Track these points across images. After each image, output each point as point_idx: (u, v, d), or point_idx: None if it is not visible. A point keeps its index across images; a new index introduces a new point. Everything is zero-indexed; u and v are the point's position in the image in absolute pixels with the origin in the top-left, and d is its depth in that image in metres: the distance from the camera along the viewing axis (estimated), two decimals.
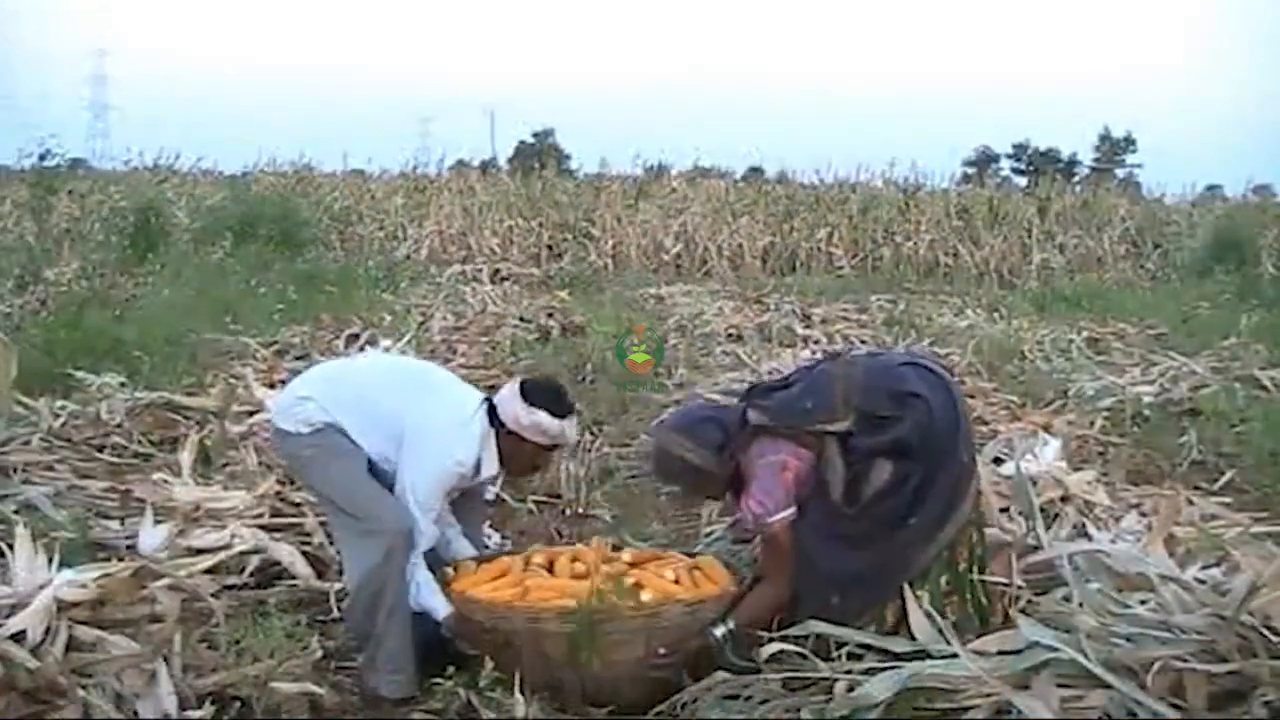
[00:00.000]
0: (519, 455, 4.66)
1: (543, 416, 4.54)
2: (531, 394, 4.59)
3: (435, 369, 5.25)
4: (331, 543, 5.66)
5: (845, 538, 4.43)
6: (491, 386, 8.99)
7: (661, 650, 4.30)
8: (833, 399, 4.37)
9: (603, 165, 29.57)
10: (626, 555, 4.87)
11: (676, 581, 4.64)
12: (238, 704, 4.22)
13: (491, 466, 4.65)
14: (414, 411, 4.58)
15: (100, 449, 7.24)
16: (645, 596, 4.43)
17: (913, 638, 4.26)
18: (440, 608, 4.45)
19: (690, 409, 4.79)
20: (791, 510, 4.34)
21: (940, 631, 4.19)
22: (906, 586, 4.37)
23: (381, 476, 4.61)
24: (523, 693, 4.23)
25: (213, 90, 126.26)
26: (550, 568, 4.77)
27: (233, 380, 8.84)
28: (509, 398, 4.60)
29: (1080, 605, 4.35)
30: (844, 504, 4.35)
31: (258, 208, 20.58)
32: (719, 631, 4.33)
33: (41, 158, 17.49)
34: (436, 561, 4.65)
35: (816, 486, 4.36)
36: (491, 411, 4.62)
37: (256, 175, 27.59)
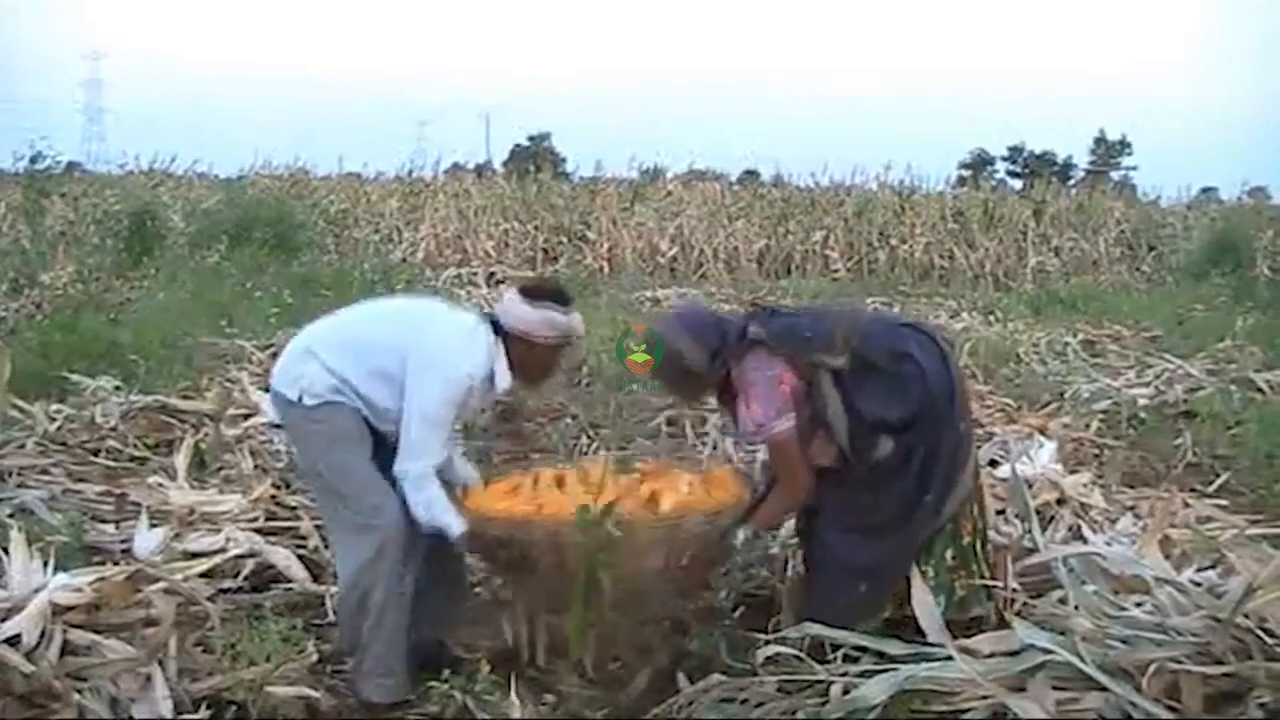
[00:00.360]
0: (531, 359, 4.54)
1: (550, 311, 4.47)
2: (533, 293, 4.53)
3: (431, 300, 5.11)
4: (327, 546, 5.66)
5: (866, 529, 4.45)
6: None
7: (683, 562, 4.32)
8: (833, 335, 4.37)
9: (598, 168, 29.58)
10: (637, 468, 4.85)
11: (690, 491, 4.64)
12: (233, 708, 4.22)
13: (505, 378, 4.53)
14: (416, 339, 4.47)
15: (95, 452, 7.22)
16: (665, 506, 4.42)
17: (917, 629, 4.27)
18: (454, 524, 4.37)
19: (696, 308, 4.73)
20: (792, 417, 4.33)
21: (943, 626, 4.20)
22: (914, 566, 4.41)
23: (390, 444, 4.53)
24: (519, 694, 4.23)
25: (208, 93, 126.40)
26: (560, 486, 4.75)
27: (228, 384, 8.82)
28: (511, 302, 4.53)
29: (1076, 608, 4.35)
30: (855, 459, 4.35)
31: (253, 211, 20.53)
32: (739, 537, 4.41)
33: (33, 160, 17.44)
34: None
35: (824, 435, 4.35)
36: (495, 325, 4.54)
37: (252, 178, 27.56)
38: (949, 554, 4.49)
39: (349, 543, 4.52)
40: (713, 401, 4.91)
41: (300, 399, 4.48)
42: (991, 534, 5.27)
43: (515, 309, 4.49)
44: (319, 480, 4.65)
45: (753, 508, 4.50)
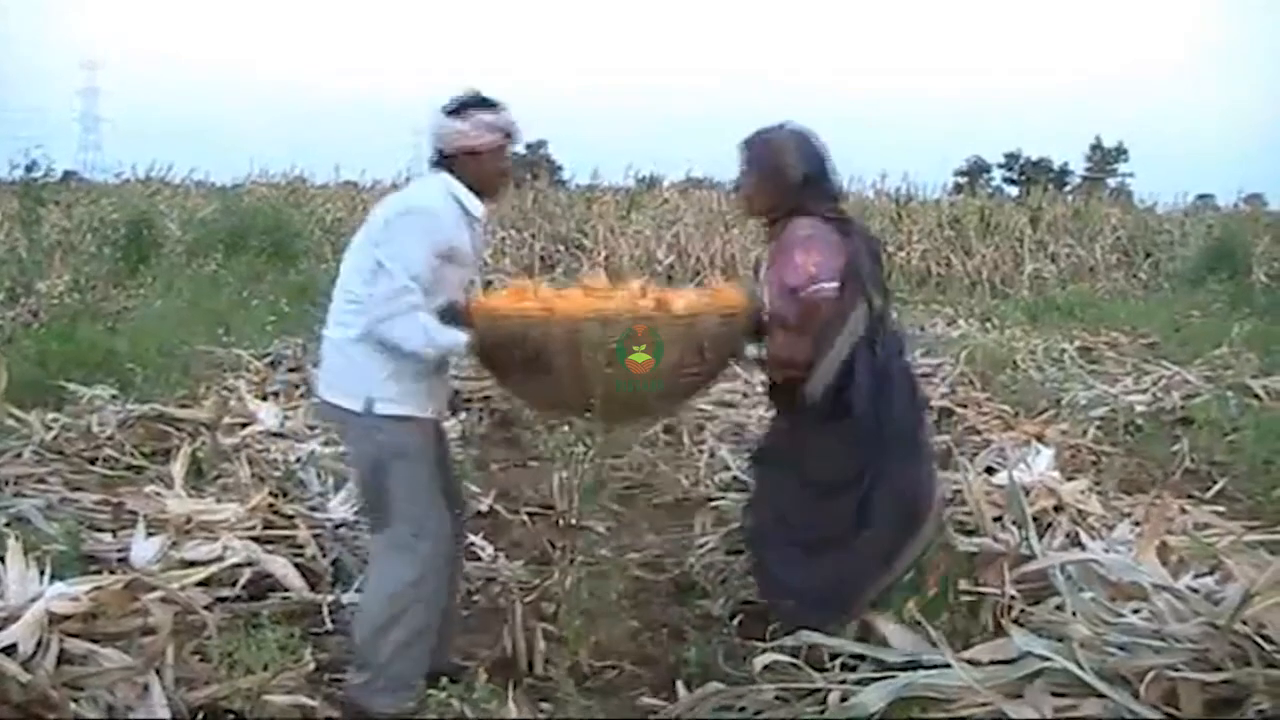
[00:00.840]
0: (483, 171, 4.38)
1: (478, 114, 4.33)
2: (455, 107, 4.36)
3: None
4: (324, 554, 5.66)
5: (803, 545, 4.44)
6: (486, 398, 9.10)
7: (699, 357, 4.27)
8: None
9: (595, 177, 29.53)
10: (636, 284, 4.78)
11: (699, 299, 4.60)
12: (230, 717, 4.21)
13: (474, 202, 4.39)
14: (381, 214, 4.43)
15: (92, 461, 7.22)
16: (677, 307, 4.36)
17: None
18: (458, 337, 4.23)
19: (820, 143, 4.61)
20: (838, 287, 4.31)
21: (935, 643, 4.19)
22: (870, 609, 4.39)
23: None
24: (516, 702, 4.23)
25: (205, 102, 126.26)
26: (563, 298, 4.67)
27: (225, 392, 8.83)
28: (440, 125, 4.37)
29: (1073, 614, 4.36)
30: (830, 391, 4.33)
31: (250, 219, 20.55)
32: (752, 351, 4.42)
33: (29, 169, 17.40)
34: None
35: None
36: (436, 165, 4.42)
37: (248, 187, 27.52)
38: (911, 605, 4.44)
39: (390, 559, 4.41)
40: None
41: (369, 409, 4.33)
42: (987, 541, 5.28)
43: (446, 127, 4.35)
44: (370, 491, 4.50)
45: (764, 324, 4.45)
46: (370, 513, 4.57)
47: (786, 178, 4.43)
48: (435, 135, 4.39)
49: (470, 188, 4.37)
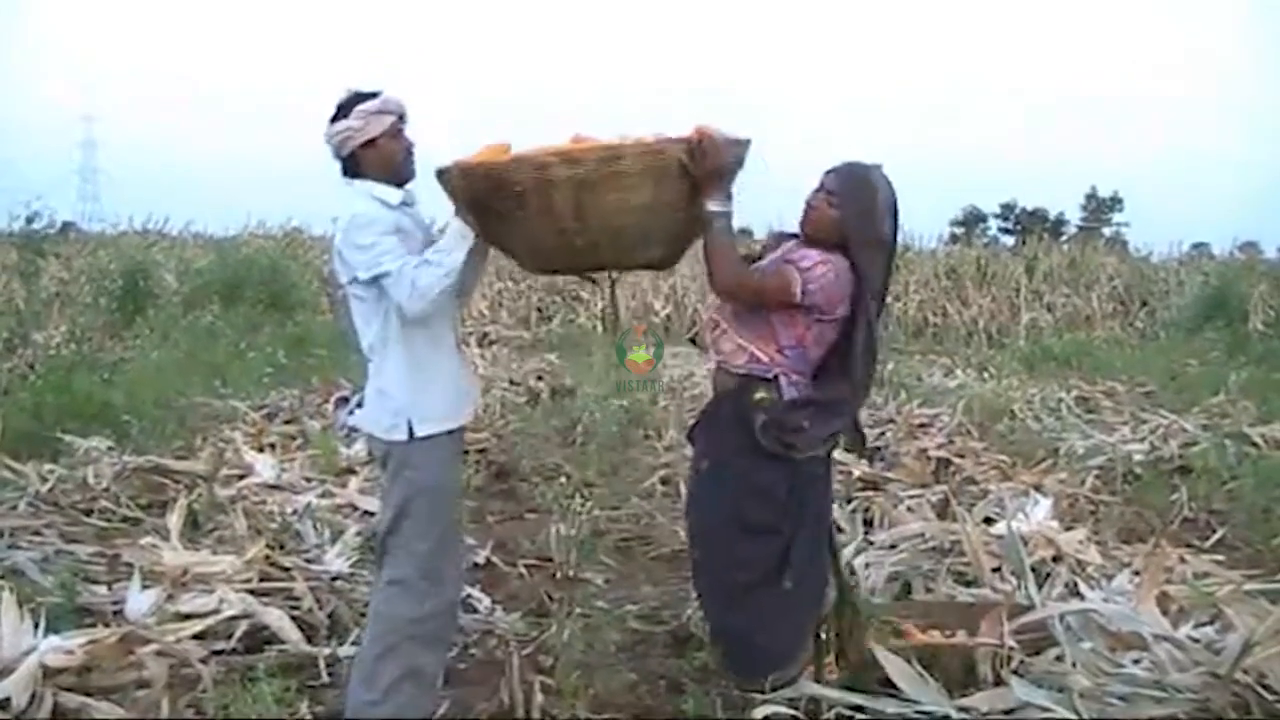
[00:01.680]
0: (385, 157, 4.32)
1: (360, 106, 4.28)
2: (335, 111, 4.33)
3: None
4: (321, 606, 5.63)
5: (742, 524, 4.40)
6: (482, 450, 9.10)
7: (674, 194, 4.14)
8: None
9: None
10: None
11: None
12: None
13: (391, 192, 4.33)
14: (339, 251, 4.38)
15: (88, 513, 7.20)
16: (648, 138, 4.21)
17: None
18: (455, 231, 4.17)
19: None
20: (816, 293, 4.23)
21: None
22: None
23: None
24: None
25: (202, 154, 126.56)
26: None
27: (221, 444, 8.82)
28: (329, 135, 4.34)
29: (1073, 665, 4.34)
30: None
31: (246, 271, 20.60)
32: (720, 209, 4.20)
33: (29, 220, 17.51)
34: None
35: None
36: (346, 173, 4.38)
37: (245, 238, 27.59)
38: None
39: (391, 593, 4.33)
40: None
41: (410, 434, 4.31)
42: (986, 592, 5.27)
43: (335, 132, 4.31)
44: (389, 526, 4.40)
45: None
46: (381, 546, 4.47)
47: (873, 224, 4.34)
48: (330, 145, 4.36)
49: (382, 179, 4.34)
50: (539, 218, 4.11)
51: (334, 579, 6.00)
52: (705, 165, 4.08)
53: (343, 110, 4.30)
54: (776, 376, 4.29)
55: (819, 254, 4.26)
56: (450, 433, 4.39)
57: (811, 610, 4.37)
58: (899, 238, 4.53)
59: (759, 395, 4.29)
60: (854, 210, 4.30)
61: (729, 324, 4.42)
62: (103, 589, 5.76)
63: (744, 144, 4.31)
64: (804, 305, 4.23)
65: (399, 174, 4.37)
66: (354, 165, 4.34)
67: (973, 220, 56.58)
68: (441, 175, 4.20)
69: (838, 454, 5.32)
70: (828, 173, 4.38)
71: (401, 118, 4.36)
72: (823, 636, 4.46)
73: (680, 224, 4.23)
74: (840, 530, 4.68)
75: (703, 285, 24.86)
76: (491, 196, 4.11)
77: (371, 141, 4.29)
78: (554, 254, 4.27)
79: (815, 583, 4.35)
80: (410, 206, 4.43)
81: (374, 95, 4.33)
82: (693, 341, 5.34)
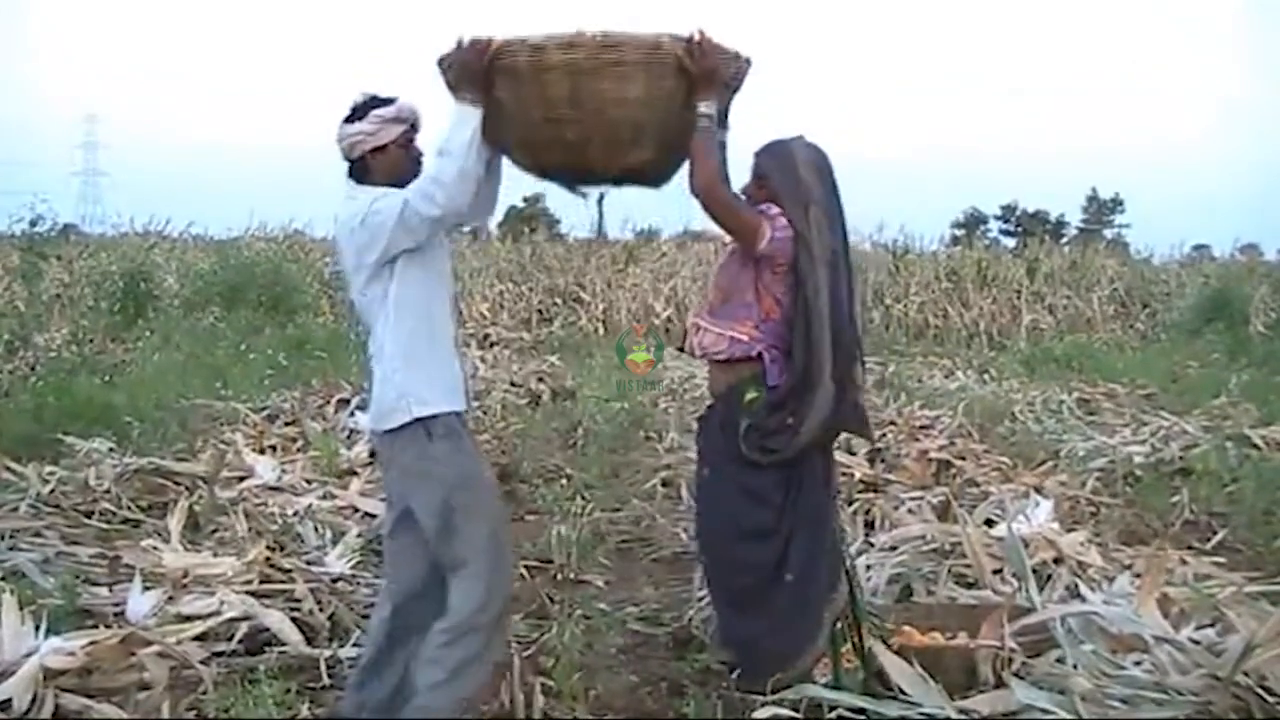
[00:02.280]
0: (394, 164, 4.31)
1: (375, 111, 4.27)
2: (350, 113, 4.31)
3: None
4: (321, 608, 5.63)
5: (728, 594, 4.42)
6: (485, 451, 9.10)
7: (671, 88, 4.13)
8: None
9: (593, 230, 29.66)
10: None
11: None
12: None
13: (396, 198, 4.21)
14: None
15: (89, 515, 7.20)
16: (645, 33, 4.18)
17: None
18: (462, 117, 4.13)
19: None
20: (774, 239, 4.27)
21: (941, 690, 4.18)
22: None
23: None
24: None
25: (204, 156, 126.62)
26: None
27: (222, 446, 8.82)
28: (341, 137, 4.32)
29: (1074, 667, 4.34)
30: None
31: (248, 273, 20.59)
32: (709, 111, 4.19)
33: (32, 223, 17.47)
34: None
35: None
36: (352, 175, 4.37)
37: (247, 240, 27.55)
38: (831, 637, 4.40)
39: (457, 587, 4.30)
40: None
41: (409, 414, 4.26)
42: (987, 594, 5.27)
43: (347, 134, 4.29)
44: (437, 528, 4.32)
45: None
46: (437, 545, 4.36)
47: (797, 186, 4.38)
48: (341, 146, 4.35)
49: (388, 186, 4.29)
50: (533, 103, 4.11)
51: (335, 581, 6.01)
52: (702, 64, 4.09)
53: (357, 113, 4.29)
54: (760, 355, 4.34)
55: (781, 212, 4.33)
56: (454, 416, 4.35)
57: (818, 605, 4.35)
58: (838, 201, 4.47)
59: (749, 396, 4.32)
60: (779, 179, 4.39)
61: (706, 320, 4.48)
62: (104, 591, 5.76)
63: (744, 60, 4.32)
64: (763, 255, 4.30)
65: (405, 183, 4.31)
66: (362, 169, 4.32)
67: (973, 222, 56.46)
68: (442, 61, 4.18)
69: (842, 456, 5.31)
70: (753, 158, 4.49)
71: (414, 127, 4.36)
72: (839, 627, 4.44)
73: (673, 126, 4.20)
74: (842, 532, 4.63)
75: (703, 285, 24.93)
76: (488, 76, 4.12)
77: (382, 148, 4.28)
78: (546, 147, 4.24)
79: (819, 577, 4.34)
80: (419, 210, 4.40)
81: (390, 101, 4.32)
82: (681, 350, 5.35)
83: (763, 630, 4.33)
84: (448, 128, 4.14)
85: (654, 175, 4.48)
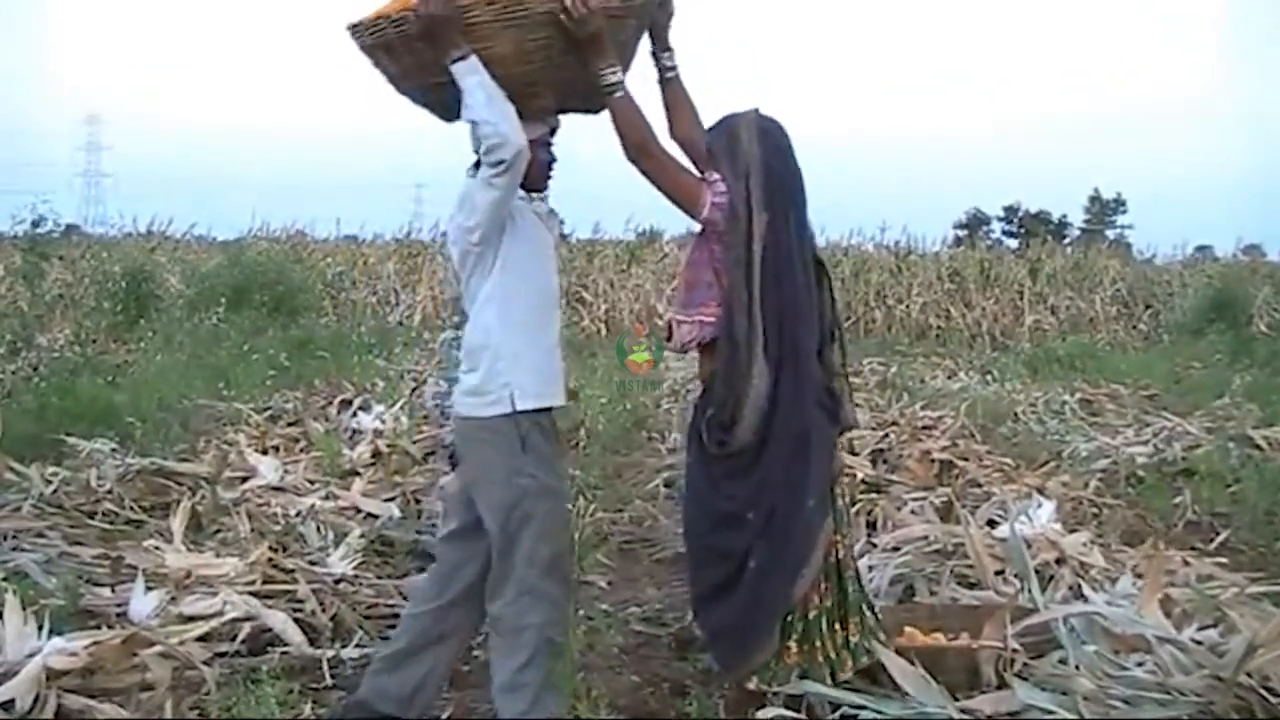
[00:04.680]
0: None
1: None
2: None
3: None
4: (324, 609, 5.63)
5: (720, 515, 4.37)
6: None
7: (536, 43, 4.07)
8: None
9: (596, 230, 29.71)
10: None
11: None
12: None
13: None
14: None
15: (92, 515, 7.20)
16: None
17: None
18: (461, 75, 4.06)
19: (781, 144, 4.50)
20: (713, 207, 4.18)
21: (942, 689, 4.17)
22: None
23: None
24: None
25: (207, 156, 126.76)
26: None
27: (225, 446, 8.82)
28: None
29: (1077, 668, 4.34)
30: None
31: (252, 274, 20.59)
32: (613, 78, 4.15)
33: (35, 224, 17.51)
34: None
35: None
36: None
37: (250, 241, 27.56)
38: (800, 629, 4.33)
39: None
40: None
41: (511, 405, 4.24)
42: (990, 594, 5.27)
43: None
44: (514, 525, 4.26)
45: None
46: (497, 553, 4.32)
47: (738, 149, 4.25)
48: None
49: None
50: (431, 65, 4.11)
51: (337, 581, 6.01)
52: (579, 30, 4.04)
53: None
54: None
55: (721, 178, 4.24)
56: (549, 414, 4.36)
57: (774, 597, 4.27)
58: (789, 169, 4.31)
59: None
60: (720, 149, 4.29)
61: (677, 312, 4.37)
62: (106, 591, 5.76)
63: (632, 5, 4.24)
64: (707, 223, 4.23)
65: (532, 181, 4.33)
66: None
67: (976, 223, 56.44)
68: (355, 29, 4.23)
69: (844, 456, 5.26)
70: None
71: (553, 130, 4.37)
72: (838, 630, 4.39)
73: (569, 77, 4.17)
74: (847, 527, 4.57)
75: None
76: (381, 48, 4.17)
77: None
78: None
79: (782, 571, 4.25)
80: (528, 202, 4.38)
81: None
82: (670, 345, 5.24)
83: (729, 620, 4.28)
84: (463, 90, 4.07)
85: (584, 109, 4.47)
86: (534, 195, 4.38)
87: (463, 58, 4.03)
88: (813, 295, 4.27)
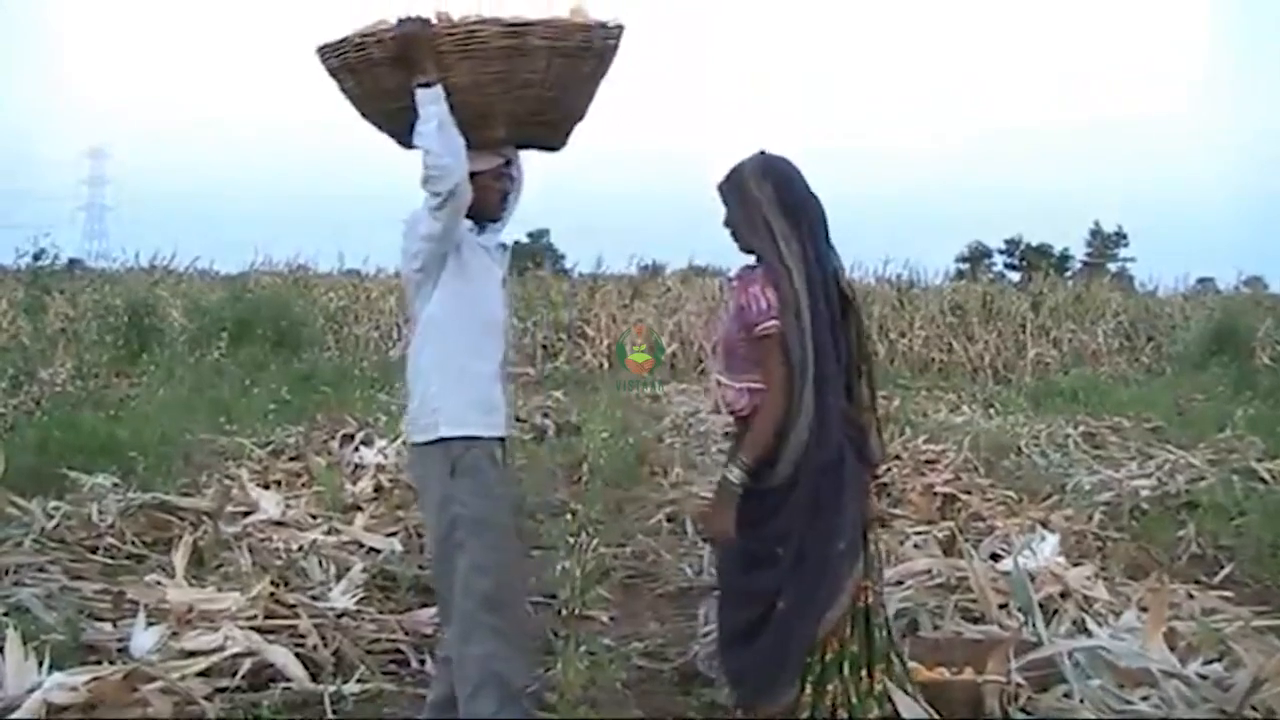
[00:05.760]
0: (481, 193, 4.31)
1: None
2: None
3: None
4: (326, 644, 5.61)
5: (730, 630, 4.40)
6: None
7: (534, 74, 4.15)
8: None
9: (598, 265, 29.80)
10: None
11: None
12: None
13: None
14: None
15: (93, 550, 7.18)
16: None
17: None
18: (425, 96, 4.12)
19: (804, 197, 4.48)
20: (777, 323, 4.13)
21: None
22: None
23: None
24: None
25: (210, 190, 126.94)
26: None
27: (227, 481, 8.82)
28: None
29: (1081, 702, 4.33)
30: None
31: (254, 308, 20.62)
32: (734, 475, 4.16)
33: (37, 257, 17.60)
34: None
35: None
36: None
37: (253, 275, 27.58)
38: (817, 671, 4.31)
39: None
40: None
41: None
42: (993, 628, 5.25)
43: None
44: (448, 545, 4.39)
45: (740, 436, 4.29)
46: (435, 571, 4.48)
47: (748, 222, 4.25)
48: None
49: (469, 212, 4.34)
50: (394, 90, 4.16)
51: (339, 616, 6.00)
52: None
53: None
54: None
55: (755, 280, 4.22)
56: (488, 443, 4.35)
57: (800, 638, 4.27)
58: (801, 200, 4.30)
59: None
60: (734, 206, 4.30)
61: (723, 374, 4.37)
62: (108, 626, 5.75)
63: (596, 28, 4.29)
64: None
65: (486, 212, 4.43)
66: None
67: (978, 256, 56.53)
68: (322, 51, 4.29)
69: None
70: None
71: (509, 162, 4.43)
72: (864, 677, 4.37)
73: (520, 109, 4.23)
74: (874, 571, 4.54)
75: (707, 320, 24.91)
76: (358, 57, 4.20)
77: (474, 175, 4.26)
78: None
79: (808, 613, 4.26)
80: (477, 234, 4.44)
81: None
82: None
83: (754, 661, 4.28)
84: (420, 107, 4.13)
85: (543, 145, 4.53)
86: (489, 225, 4.47)
87: (429, 84, 4.08)
88: (836, 328, 4.27)
